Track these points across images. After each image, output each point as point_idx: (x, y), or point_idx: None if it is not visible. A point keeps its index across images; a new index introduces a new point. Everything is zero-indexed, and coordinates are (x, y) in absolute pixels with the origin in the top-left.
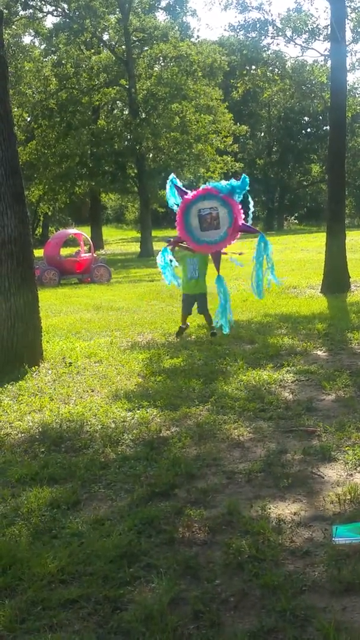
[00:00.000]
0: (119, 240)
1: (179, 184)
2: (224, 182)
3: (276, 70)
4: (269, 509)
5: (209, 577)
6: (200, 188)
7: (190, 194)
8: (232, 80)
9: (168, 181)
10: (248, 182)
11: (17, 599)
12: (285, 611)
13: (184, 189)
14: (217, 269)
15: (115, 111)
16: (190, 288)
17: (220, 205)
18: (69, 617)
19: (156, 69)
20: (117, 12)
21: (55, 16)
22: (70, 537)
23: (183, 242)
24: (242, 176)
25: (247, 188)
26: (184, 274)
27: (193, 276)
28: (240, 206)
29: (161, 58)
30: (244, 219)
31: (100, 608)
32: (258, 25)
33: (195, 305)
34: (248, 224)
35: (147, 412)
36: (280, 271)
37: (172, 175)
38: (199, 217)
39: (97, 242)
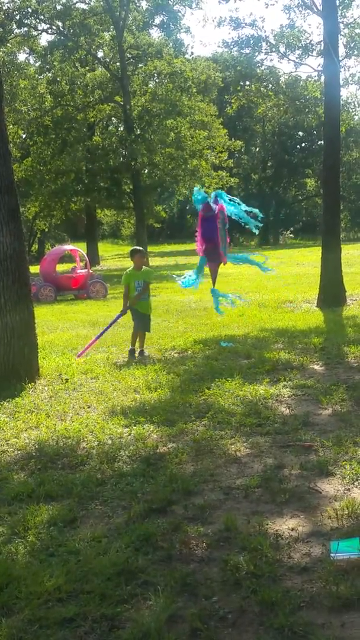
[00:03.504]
0: (115, 256)
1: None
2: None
3: (270, 85)
4: (267, 524)
5: (206, 594)
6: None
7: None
8: (226, 96)
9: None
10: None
11: (14, 617)
12: (284, 628)
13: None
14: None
15: (110, 128)
16: (140, 305)
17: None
18: (66, 636)
19: (151, 85)
20: (112, 30)
21: (50, 34)
22: (67, 554)
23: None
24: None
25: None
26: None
27: (144, 297)
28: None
29: (155, 75)
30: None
31: (98, 626)
32: (252, 41)
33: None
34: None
35: (143, 428)
36: (276, 285)
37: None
38: None
39: (93, 258)
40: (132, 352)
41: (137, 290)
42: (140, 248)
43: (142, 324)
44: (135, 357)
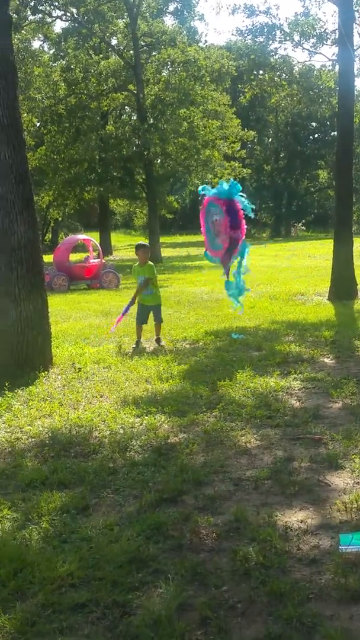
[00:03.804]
0: (127, 246)
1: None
2: (225, 185)
3: (284, 75)
4: (276, 516)
5: (216, 583)
6: (207, 196)
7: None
8: (239, 86)
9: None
10: (234, 184)
11: (28, 602)
12: (292, 619)
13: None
14: (226, 273)
15: (123, 116)
16: (144, 299)
17: (219, 214)
18: (79, 621)
19: (164, 74)
20: (125, 17)
21: (64, 21)
22: (79, 541)
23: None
24: (230, 181)
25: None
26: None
27: (147, 291)
28: (239, 212)
29: (169, 63)
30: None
31: (109, 612)
32: (266, 29)
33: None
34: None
35: (155, 419)
36: (287, 278)
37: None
38: (212, 223)
39: (106, 247)
40: (138, 343)
41: (140, 285)
42: (145, 243)
43: (153, 315)
44: (140, 347)
